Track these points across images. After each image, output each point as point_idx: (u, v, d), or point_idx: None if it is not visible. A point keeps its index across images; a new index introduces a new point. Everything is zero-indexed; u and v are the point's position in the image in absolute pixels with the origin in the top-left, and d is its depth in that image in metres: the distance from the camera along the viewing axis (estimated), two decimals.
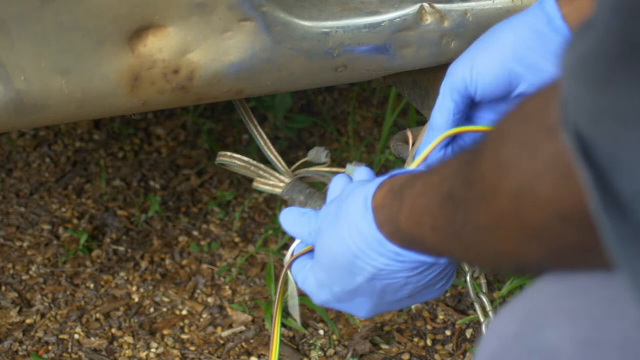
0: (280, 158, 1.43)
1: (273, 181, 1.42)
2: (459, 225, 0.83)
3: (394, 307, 1.06)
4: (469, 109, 1.21)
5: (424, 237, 0.90)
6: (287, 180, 1.41)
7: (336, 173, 1.37)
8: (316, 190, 1.40)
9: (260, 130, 1.45)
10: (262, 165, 1.41)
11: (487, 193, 0.77)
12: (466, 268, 1.62)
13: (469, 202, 0.80)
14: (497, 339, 0.79)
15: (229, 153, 1.42)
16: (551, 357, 0.74)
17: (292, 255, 1.13)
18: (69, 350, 1.80)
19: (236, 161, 1.41)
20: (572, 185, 0.68)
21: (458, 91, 1.17)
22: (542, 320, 0.76)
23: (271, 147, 1.44)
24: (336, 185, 1.12)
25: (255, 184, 1.43)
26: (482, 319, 1.55)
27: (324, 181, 1.40)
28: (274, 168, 1.42)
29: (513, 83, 1.16)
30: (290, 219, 1.13)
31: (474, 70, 1.16)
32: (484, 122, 1.22)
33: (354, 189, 1.01)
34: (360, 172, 1.12)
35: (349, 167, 1.17)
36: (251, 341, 1.82)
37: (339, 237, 0.99)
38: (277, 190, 1.41)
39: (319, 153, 1.42)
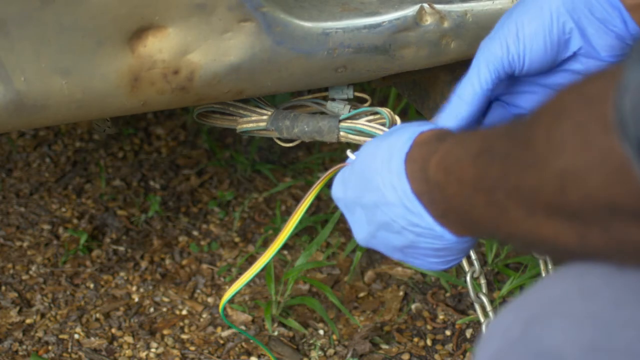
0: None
1: (255, 117, 1.41)
2: (491, 180, 0.81)
3: (386, 252, 1.05)
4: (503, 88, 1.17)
5: (447, 186, 0.88)
6: (268, 113, 1.40)
7: (319, 98, 1.38)
8: (300, 113, 1.39)
9: None
10: (240, 104, 1.41)
11: (536, 161, 0.76)
12: (466, 268, 1.62)
13: (513, 161, 0.79)
14: (500, 338, 0.79)
15: None
16: None
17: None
18: (69, 350, 1.80)
19: (215, 105, 1.41)
20: (626, 182, 0.68)
21: (497, 63, 1.10)
22: (547, 323, 0.75)
23: None
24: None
25: (239, 127, 1.42)
26: (482, 319, 1.55)
27: (309, 105, 1.40)
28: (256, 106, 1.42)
29: (561, 49, 1.10)
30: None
31: (521, 34, 1.09)
32: (521, 101, 1.17)
33: (400, 126, 1.02)
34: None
35: (350, 154, 1.16)
36: (251, 341, 1.82)
37: (376, 149, 0.99)
38: (262, 124, 1.40)
39: (300, 93, 1.42)
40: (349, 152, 1.11)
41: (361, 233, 1.05)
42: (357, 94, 1.39)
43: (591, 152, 0.71)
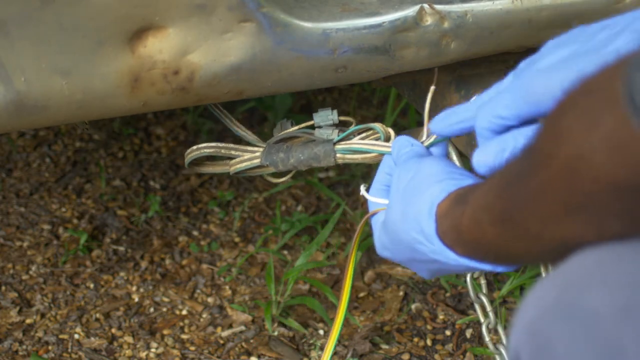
0: (248, 131, 1.42)
1: (248, 155, 1.40)
2: (513, 202, 0.83)
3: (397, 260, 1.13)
4: None
5: (483, 236, 0.91)
6: (260, 149, 1.39)
7: (307, 128, 1.38)
8: (293, 143, 1.38)
9: (224, 110, 1.44)
10: (231, 145, 1.40)
11: (542, 160, 0.78)
12: None
13: (525, 173, 0.81)
14: (538, 304, 0.80)
15: (195, 147, 1.39)
16: (590, 322, 0.75)
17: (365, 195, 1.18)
18: (69, 350, 1.81)
19: (205, 150, 1.39)
20: (629, 158, 0.69)
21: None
22: (582, 287, 0.77)
23: (237, 123, 1.43)
24: (401, 146, 1.15)
25: (232, 168, 1.40)
26: (482, 319, 1.55)
27: (299, 137, 1.39)
28: (247, 144, 1.41)
29: None
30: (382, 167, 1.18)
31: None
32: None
33: (420, 176, 1.04)
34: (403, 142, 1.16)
35: (364, 191, 1.20)
36: (251, 341, 1.82)
37: (404, 226, 1.04)
38: (256, 161, 1.39)
39: (283, 125, 1.41)
40: (362, 190, 1.19)
41: (424, 273, 1.10)
42: (341, 118, 1.39)
43: (596, 133, 0.72)
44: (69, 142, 2.31)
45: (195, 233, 2.07)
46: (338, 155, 1.35)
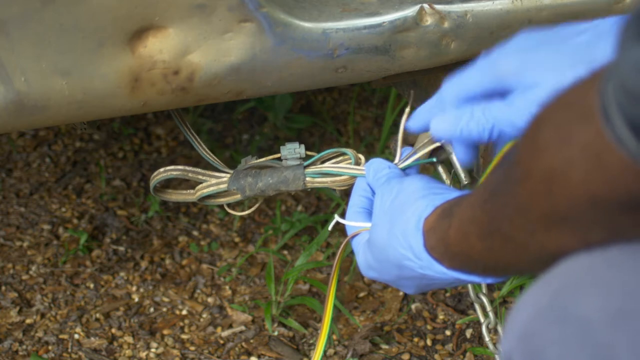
0: (216, 158, 1.41)
1: (215, 180, 1.38)
2: (499, 215, 0.84)
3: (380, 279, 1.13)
4: None
5: (471, 249, 0.92)
6: (228, 174, 1.37)
7: (273, 160, 1.37)
8: (261, 169, 1.37)
9: (193, 133, 1.43)
10: (199, 170, 1.38)
11: (522, 174, 0.78)
12: None
13: (507, 187, 0.81)
14: (529, 308, 0.80)
15: (162, 169, 1.38)
16: (582, 328, 0.75)
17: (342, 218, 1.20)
18: (69, 350, 1.81)
19: (172, 172, 1.37)
20: (605, 171, 0.69)
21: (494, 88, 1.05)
22: (575, 292, 0.77)
23: (206, 148, 1.42)
24: (377, 169, 1.16)
25: (198, 193, 1.38)
26: (482, 319, 1.55)
27: (267, 166, 1.38)
28: (214, 169, 1.39)
29: None
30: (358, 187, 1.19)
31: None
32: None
33: (404, 194, 1.05)
34: (376, 165, 1.17)
35: (338, 219, 1.22)
36: (251, 341, 1.82)
37: (391, 243, 1.04)
38: (222, 186, 1.37)
39: (248, 161, 1.39)
40: (337, 217, 1.21)
41: (409, 289, 1.10)
42: (307, 152, 1.38)
43: (571, 147, 0.72)
44: (69, 142, 2.31)
45: (195, 233, 2.07)
46: (307, 178, 1.34)
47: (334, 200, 2.08)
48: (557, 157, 0.73)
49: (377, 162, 1.18)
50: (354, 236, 1.17)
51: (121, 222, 2.08)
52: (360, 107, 2.40)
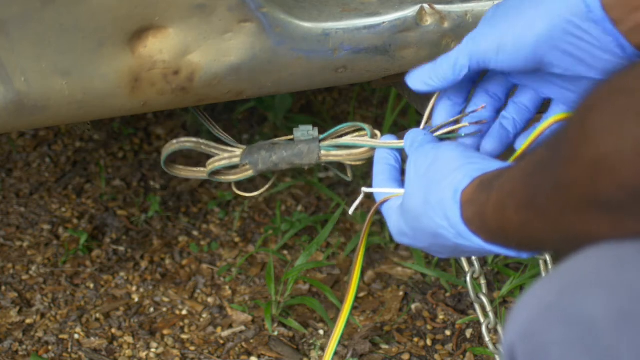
0: (228, 135, 1.39)
1: (228, 154, 1.37)
2: (538, 190, 0.84)
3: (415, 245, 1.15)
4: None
5: (507, 223, 0.91)
6: (241, 149, 1.36)
7: (288, 140, 1.36)
8: (276, 142, 1.35)
9: (203, 112, 1.42)
10: (212, 143, 1.36)
11: (569, 155, 0.78)
12: (466, 268, 1.62)
13: (552, 163, 0.81)
14: (533, 306, 0.80)
15: (174, 140, 1.36)
16: (586, 328, 0.75)
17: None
18: (69, 350, 1.81)
19: (185, 144, 1.35)
20: None
21: (477, 61, 1.14)
22: (580, 291, 0.77)
23: (218, 127, 1.41)
24: (414, 136, 1.19)
25: (209, 167, 1.36)
26: (482, 319, 1.56)
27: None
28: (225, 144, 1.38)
29: (543, 67, 1.12)
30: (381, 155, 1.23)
31: (502, 52, 1.11)
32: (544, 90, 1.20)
33: (440, 162, 1.06)
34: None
35: (365, 189, 1.21)
36: (251, 341, 1.82)
37: (427, 212, 1.04)
38: (235, 160, 1.36)
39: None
40: (365, 189, 1.19)
41: (442, 253, 1.11)
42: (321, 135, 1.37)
43: (624, 141, 0.71)
44: (69, 142, 2.31)
45: (195, 233, 2.07)
46: (322, 152, 1.33)
47: (334, 200, 2.08)
48: (607, 145, 0.73)
49: (414, 131, 1.20)
50: (383, 203, 1.16)
51: (121, 222, 2.08)
52: (360, 107, 2.40)
